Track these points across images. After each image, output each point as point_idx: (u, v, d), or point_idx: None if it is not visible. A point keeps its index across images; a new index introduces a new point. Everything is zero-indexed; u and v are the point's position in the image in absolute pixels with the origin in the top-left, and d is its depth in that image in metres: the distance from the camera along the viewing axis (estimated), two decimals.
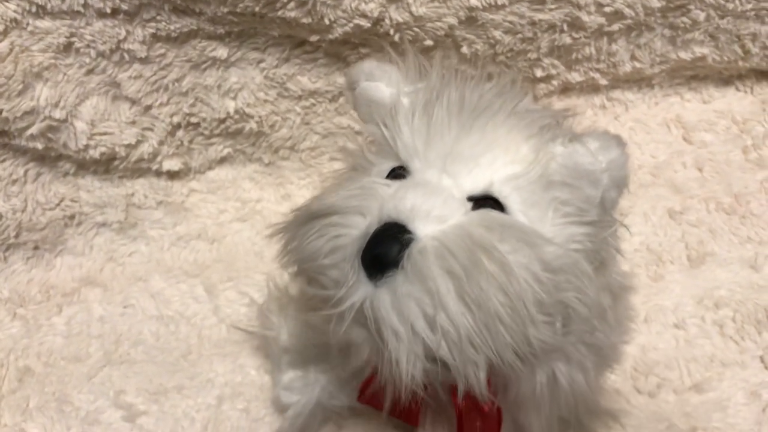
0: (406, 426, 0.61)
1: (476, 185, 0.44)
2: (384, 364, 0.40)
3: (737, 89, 0.81)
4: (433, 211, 0.41)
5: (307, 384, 0.58)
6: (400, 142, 0.46)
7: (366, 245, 0.40)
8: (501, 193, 0.44)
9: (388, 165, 0.47)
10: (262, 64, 0.69)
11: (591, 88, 0.77)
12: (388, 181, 0.44)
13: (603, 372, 0.58)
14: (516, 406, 0.54)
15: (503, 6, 0.64)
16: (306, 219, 0.43)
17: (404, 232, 0.40)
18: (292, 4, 0.60)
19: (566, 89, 0.75)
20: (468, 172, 0.44)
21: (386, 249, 0.39)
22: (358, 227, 0.41)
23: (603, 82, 0.76)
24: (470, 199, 0.43)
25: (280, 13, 0.61)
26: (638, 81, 0.79)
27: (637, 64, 0.75)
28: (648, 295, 0.70)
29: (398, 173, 0.46)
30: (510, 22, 0.65)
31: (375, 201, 0.41)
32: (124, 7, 0.61)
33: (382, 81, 0.47)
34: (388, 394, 0.44)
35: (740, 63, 0.76)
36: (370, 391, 0.55)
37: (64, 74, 0.63)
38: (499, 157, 0.44)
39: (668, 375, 0.66)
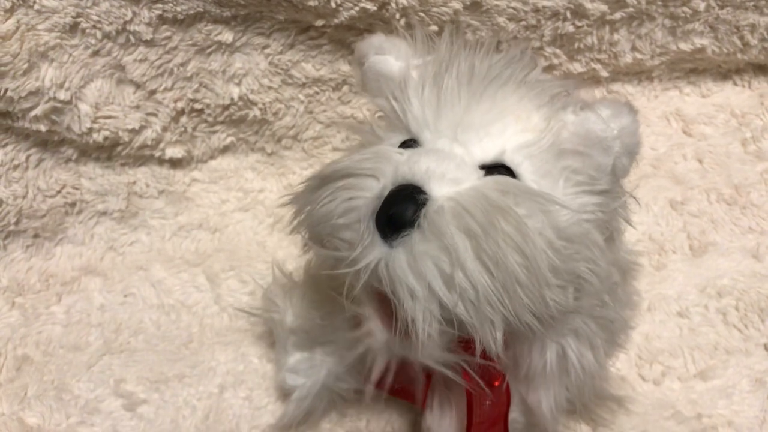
0: (412, 408, 0.61)
1: (488, 153, 0.44)
2: (399, 324, 0.40)
3: (735, 84, 0.82)
4: (448, 174, 0.41)
5: (313, 366, 0.57)
6: (410, 114, 0.46)
7: (381, 206, 0.40)
8: (513, 161, 0.44)
9: (398, 139, 0.47)
10: (267, 50, 0.69)
11: (592, 80, 0.77)
12: (401, 150, 0.44)
13: (612, 352, 0.58)
14: (526, 384, 0.54)
15: None
16: (319, 184, 0.43)
17: (420, 193, 0.40)
18: None
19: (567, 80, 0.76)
20: (479, 140, 0.44)
21: (402, 209, 0.39)
22: (372, 190, 0.41)
23: (604, 73, 0.76)
24: (482, 167, 0.43)
25: None
26: (638, 74, 0.79)
27: (638, 55, 0.75)
28: (651, 284, 0.71)
29: (409, 146, 0.46)
30: (514, 9, 0.65)
31: (389, 164, 0.41)
32: None
33: (391, 54, 0.47)
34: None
35: (739, 55, 0.77)
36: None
37: (70, 55, 0.63)
38: (510, 126, 0.44)
39: (672, 363, 0.66)
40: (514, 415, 0.56)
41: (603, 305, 0.51)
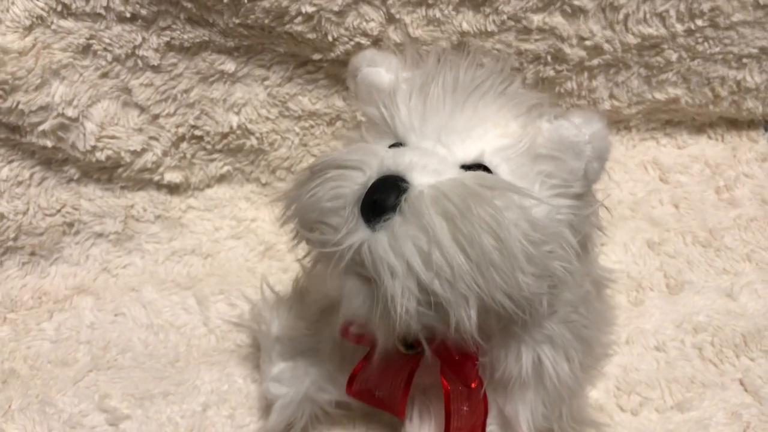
0: (392, 422, 0.61)
1: (468, 154, 0.47)
2: (378, 304, 0.42)
3: (709, 137, 0.86)
4: (430, 166, 0.44)
5: (296, 376, 0.59)
6: (397, 119, 0.49)
7: (366, 193, 0.42)
8: (491, 162, 0.47)
9: (386, 143, 0.50)
10: (267, 82, 0.73)
11: None
12: (386, 148, 0.47)
13: (589, 368, 0.59)
14: (503, 394, 0.55)
15: (492, 33, 0.69)
16: (308, 176, 0.46)
17: (402, 181, 0.43)
18: (299, 18, 0.65)
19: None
20: (461, 142, 0.47)
21: (385, 195, 0.42)
22: (357, 180, 0.44)
23: None
24: (463, 167, 0.46)
25: (287, 27, 0.66)
26: (617, 123, 0.83)
27: (616, 102, 0.79)
28: (629, 318, 0.72)
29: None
30: (498, 51, 0.70)
31: (375, 158, 0.44)
32: (143, 12, 0.65)
33: (383, 67, 0.51)
34: (379, 339, 0.45)
35: (711, 107, 0.81)
36: (358, 382, 0.57)
37: (80, 74, 0.67)
38: (490, 131, 0.48)
39: (650, 394, 0.67)
40: (492, 428, 0.57)
41: (577, 313, 0.53)
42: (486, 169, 0.47)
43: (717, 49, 0.76)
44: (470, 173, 0.45)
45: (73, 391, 0.67)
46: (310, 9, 0.64)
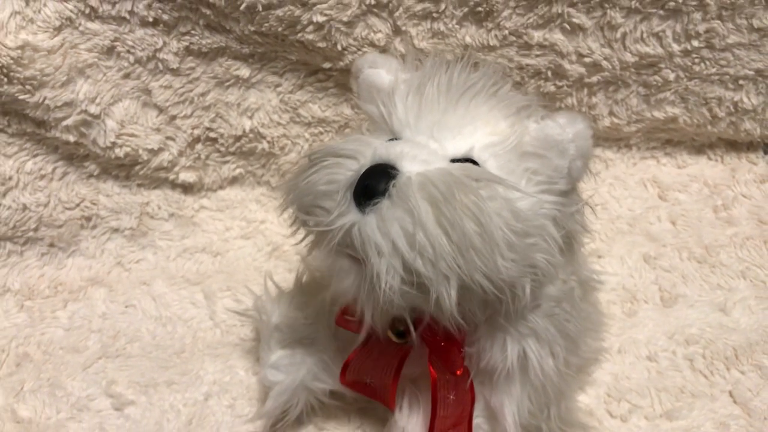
0: (386, 417, 0.63)
1: (458, 149, 0.50)
2: (365, 282, 0.45)
3: (709, 158, 0.88)
4: (420, 156, 0.47)
5: (293, 363, 0.61)
6: (394, 116, 0.52)
7: (358, 179, 0.45)
8: (480, 157, 0.50)
9: (383, 138, 0.53)
10: (279, 88, 0.76)
11: None
12: (382, 141, 0.50)
13: (575, 365, 0.61)
14: (489, 383, 0.57)
15: (494, 47, 0.73)
16: (306, 165, 0.49)
17: (393, 169, 0.45)
18: (310, 27, 0.69)
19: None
20: (452, 138, 0.50)
21: (375, 181, 0.45)
22: (351, 168, 0.47)
23: None
24: (452, 160, 0.49)
25: (299, 35, 0.70)
26: (617, 140, 0.86)
27: (615, 120, 0.81)
28: (622, 328, 0.74)
29: None
30: (499, 65, 0.73)
31: (369, 148, 0.47)
32: (165, 17, 0.69)
33: (383, 68, 0.54)
34: (366, 315, 0.48)
35: (709, 128, 0.83)
36: (351, 371, 0.59)
37: (104, 74, 0.71)
38: (480, 129, 0.51)
39: (640, 402, 0.69)
40: (478, 420, 0.59)
41: (561, 308, 0.55)
42: (475, 163, 0.49)
43: (713, 70, 0.78)
44: (458, 164, 0.47)
45: (82, 377, 0.71)
46: (321, 18, 0.68)
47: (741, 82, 0.80)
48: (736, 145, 0.87)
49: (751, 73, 0.79)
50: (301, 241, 0.51)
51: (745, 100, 0.81)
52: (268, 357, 0.62)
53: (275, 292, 0.65)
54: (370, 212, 0.44)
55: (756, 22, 0.74)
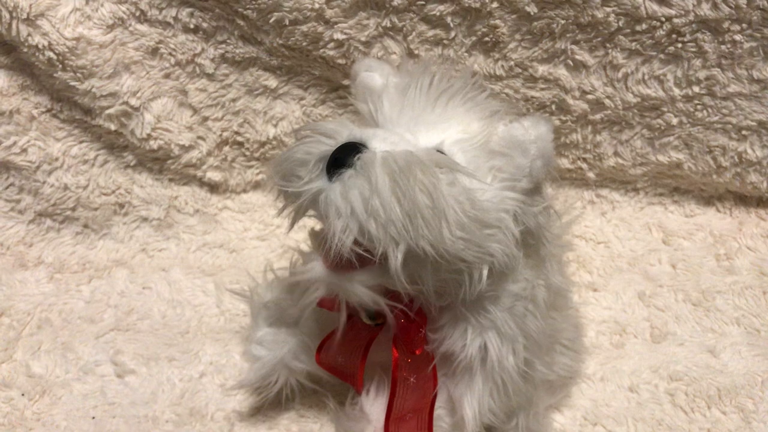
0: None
1: (430, 141, 0.54)
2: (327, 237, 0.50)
3: (718, 210, 0.89)
4: (390, 139, 0.52)
5: (276, 341, 0.65)
6: (380, 113, 0.58)
7: (331, 153, 0.51)
8: (449, 151, 0.54)
9: None
10: (303, 101, 0.83)
11: (581, 181, 0.87)
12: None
13: (541, 373, 0.63)
14: (453, 374, 0.60)
15: (501, 77, 0.78)
16: (291, 145, 0.55)
17: (363, 146, 0.51)
18: (331, 44, 0.76)
19: (558, 178, 0.86)
20: (426, 132, 0.55)
21: (345, 154, 0.50)
22: (327, 144, 0.52)
23: (591, 174, 0.85)
24: None
25: (321, 51, 0.77)
26: (624, 183, 0.88)
27: (620, 160, 0.84)
28: (608, 358, 0.75)
29: None
30: (506, 95, 0.78)
31: (346, 129, 0.53)
32: (205, 26, 0.78)
33: (377, 72, 0.60)
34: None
35: (715, 177, 0.84)
36: (325, 351, 0.63)
37: (147, 72, 0.79)
38: (453, 127, 0.56)
39: (615, 428, 0.70)
40: (440, 411, 0.62)
41: (522, 306, 0.58)
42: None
43: (716, 118, 0.80)
44: (424, 148, 0.52)
45: (93, 344, 0.77)
46: (341, 36, 0.75)
47: (744, 132, 0.81)
48: (745, 200, 0.89)
49: (754, 124, 0.81)
50: (281, 211, 0.56)
51: (749, 151, 0.82)
52: (255, 333, 0.67)
53: (271, 278, 0.71)
54: (336, 180, 0.50)
55: (756, 74, 0.76)
